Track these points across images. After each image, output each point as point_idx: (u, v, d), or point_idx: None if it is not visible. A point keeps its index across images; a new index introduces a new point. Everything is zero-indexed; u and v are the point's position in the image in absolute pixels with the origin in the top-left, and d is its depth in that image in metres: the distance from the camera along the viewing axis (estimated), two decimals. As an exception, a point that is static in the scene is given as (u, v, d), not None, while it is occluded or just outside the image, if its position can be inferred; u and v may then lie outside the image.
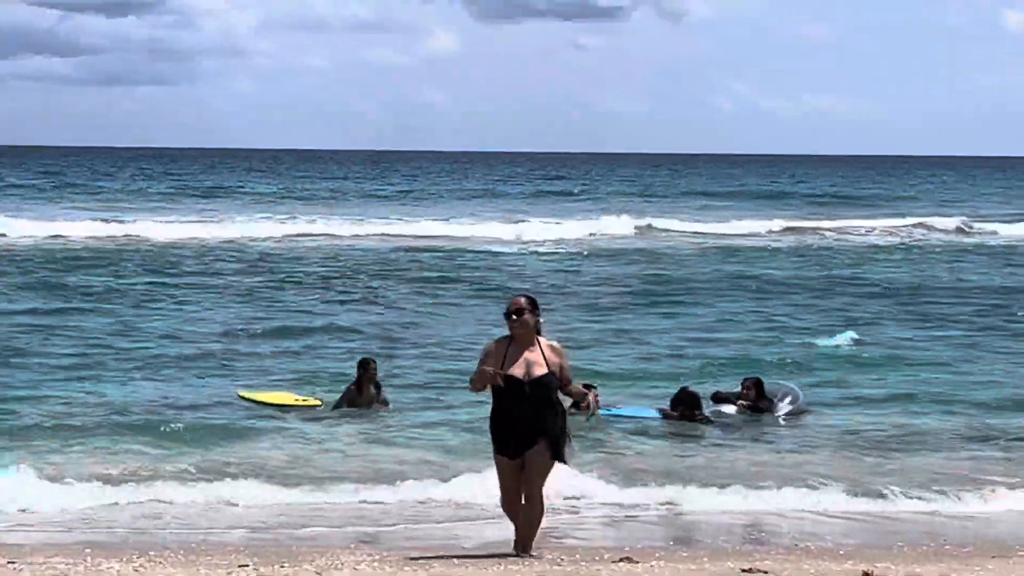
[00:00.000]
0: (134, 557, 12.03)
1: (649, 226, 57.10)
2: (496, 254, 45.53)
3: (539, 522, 12.15)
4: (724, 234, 55.56)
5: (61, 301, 30.41)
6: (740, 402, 19.56)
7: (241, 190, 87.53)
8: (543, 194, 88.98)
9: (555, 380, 12.00)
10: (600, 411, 18.72)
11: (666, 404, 19.22)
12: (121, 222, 54.22)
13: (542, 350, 12.05)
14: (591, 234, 53.81)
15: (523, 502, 12.02)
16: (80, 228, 51.03)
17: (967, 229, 60.26)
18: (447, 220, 59.69)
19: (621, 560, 12.03)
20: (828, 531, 14.05)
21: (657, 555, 12.45)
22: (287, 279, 36.12)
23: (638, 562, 11.96)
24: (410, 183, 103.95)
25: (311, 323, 27.82)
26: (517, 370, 11.94)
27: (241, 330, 26.47)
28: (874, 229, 59.62)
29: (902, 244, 52.86)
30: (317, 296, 32.68)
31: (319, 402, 19.66)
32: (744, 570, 11.44)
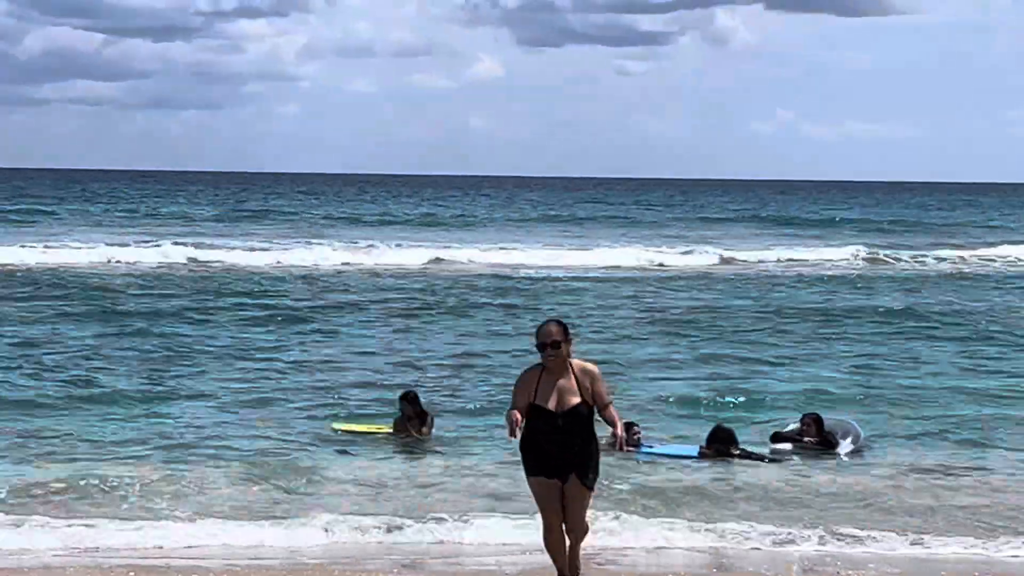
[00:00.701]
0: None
1: (721, 255, 56.22)
2: (561, 279, 45.63)
3: (582, 540, 12.00)
4: (802, 260, 55.37)
5: (132, 327, 30.52)
6: (807, 439, 19.17)
7: (293, 214, 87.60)
8: (603, 219, 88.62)
9: (587, 409, 11.69)
10: (641, 448, 18.71)
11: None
12: (178, 244, 54.54)
13: (575, 376, 11.73)
14: (660, 264, 52.92)
15: (567, 532, 11.81)
16: (136, 253, 51.41)
17: None
18: (519, 246, 59.69)
19: None
20: (872, 560, 13.94)
21: None
22: (357, 306, 36.09)
23: None
24: (464, 207, 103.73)
25: (382, 351, 27.94)
26: (550, 402, 11.64)
27: (313, 360, 26.46)
28: (963, 258, 58.80)
29: (998, 272, 52.18)
30: (391, 324, 32.68)
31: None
32: None
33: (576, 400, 11.61)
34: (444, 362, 26.37)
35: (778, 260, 55.74)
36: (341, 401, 22.15)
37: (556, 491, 11.65)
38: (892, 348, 29.24)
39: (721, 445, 18.49)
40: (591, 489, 11.75)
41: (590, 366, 11.76)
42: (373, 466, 17.75)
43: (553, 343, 11.56)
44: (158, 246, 53.83)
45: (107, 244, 54.27)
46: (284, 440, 19.18)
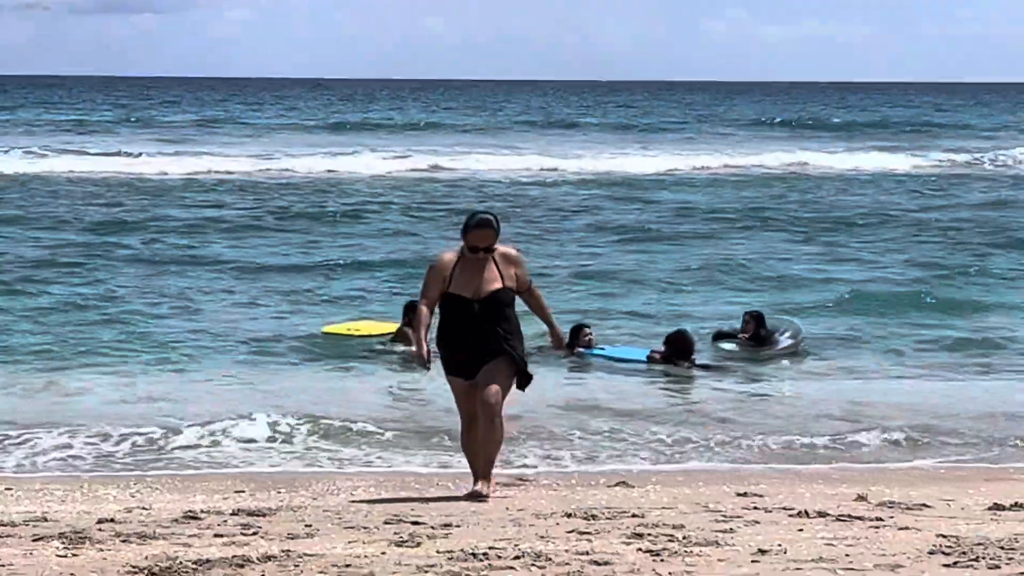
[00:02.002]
0: (131, 483, 12.37)
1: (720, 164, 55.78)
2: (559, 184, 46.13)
3: (497, 450, 11.40)
4: (851, 167, 55.16)
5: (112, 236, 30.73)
6: (741, 335, 19.61)
7: (259, 120, 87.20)
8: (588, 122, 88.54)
9: (510, 295, 11.20)
10: (592, 351, 19.05)
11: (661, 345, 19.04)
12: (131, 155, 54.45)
13: (496, 263, 11.19)
14: (671, 169, 52.36)
15: (482, 424, 11.22)
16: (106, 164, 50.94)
17: None
18: (515, 150, 60.00)
19: (617, 484, 12.30)
20: (822, 456, 14.42)
21: (653, 479, 12.76)
22: (344, 214, 36.43)
23: (633, 486, 12.24)
24: (434, 113, 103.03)
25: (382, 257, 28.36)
26: (467, 289, 11.10)
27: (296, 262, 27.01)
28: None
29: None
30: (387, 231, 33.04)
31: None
32: (739, 493, 11.71)
33: (496, 285, 11.14)
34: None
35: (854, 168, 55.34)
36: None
37: (472, 395, 11.22)
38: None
39: (673, 351, 18.48)
40: (524, 381, 11.28)
41: (511, 250, 11.31)
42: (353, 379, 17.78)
43: (487, 248, 11.16)
44: (172, 154, 53.87)
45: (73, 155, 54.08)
46: (242, 346, 19.35)
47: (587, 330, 19.00)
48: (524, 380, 11.30)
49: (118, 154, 54.49)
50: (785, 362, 19.15)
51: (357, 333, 19.78)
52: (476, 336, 11.08)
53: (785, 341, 19.50)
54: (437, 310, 11.37)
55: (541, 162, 54.19)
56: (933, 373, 18.52)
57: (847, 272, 26.89)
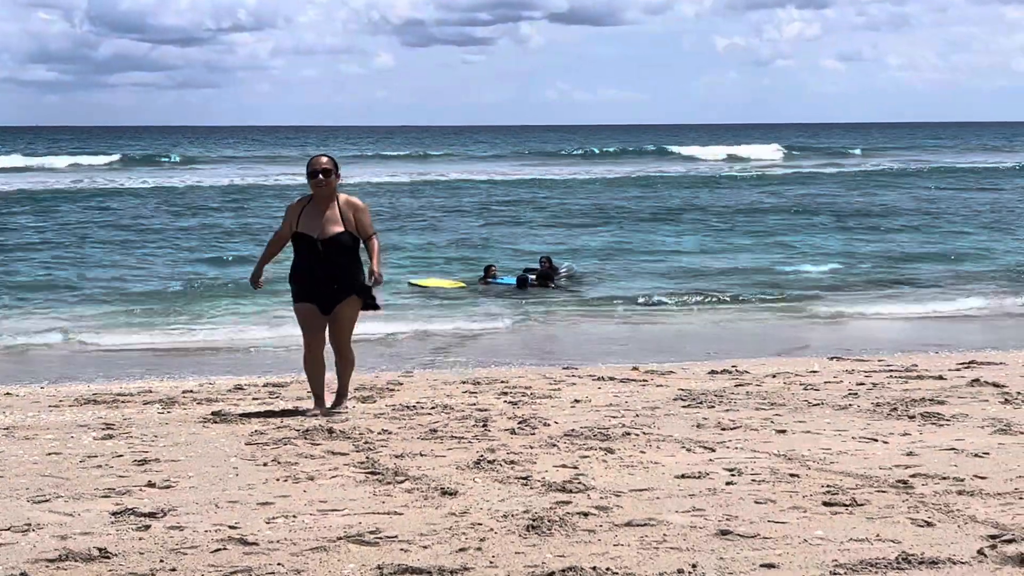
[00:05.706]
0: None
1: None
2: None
3: (351, 370, 11.85)
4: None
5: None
6: (540, 268, 25.65)
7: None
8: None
9: (350, 238, 11.26)
10: (496, 280, 25.18)
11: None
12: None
13: (340, 208, 11.24)
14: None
15: (336, 355, 11.65)
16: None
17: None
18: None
19: (491, 365, 15.59)
20: (614, 347, 17.97)
21: (514, 363, 16.05)
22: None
23: (501, 367, 15.52)
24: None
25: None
26: (312, 229, 11.22)
27: None
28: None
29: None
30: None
31: (463, 284, 24.67)
32: (563, 367, 14.72)
33: (339, 229, 11.21)
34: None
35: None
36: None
37: (319, 316, 11.43)
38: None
39: (538, 278, 24.72)
40: (376, 307, 11.52)
41: (356, 200, 11.38)
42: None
43: (324, 171, 11.20)
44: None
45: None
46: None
47: (493, 268, 25.16)
48: (371, 305, 11.56)
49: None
50: (568, 288, 24.55)
51: (432, 285, 24.31)
52: (321, 271, 11.26)
53: (564, 272, 25.70)
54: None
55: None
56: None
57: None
